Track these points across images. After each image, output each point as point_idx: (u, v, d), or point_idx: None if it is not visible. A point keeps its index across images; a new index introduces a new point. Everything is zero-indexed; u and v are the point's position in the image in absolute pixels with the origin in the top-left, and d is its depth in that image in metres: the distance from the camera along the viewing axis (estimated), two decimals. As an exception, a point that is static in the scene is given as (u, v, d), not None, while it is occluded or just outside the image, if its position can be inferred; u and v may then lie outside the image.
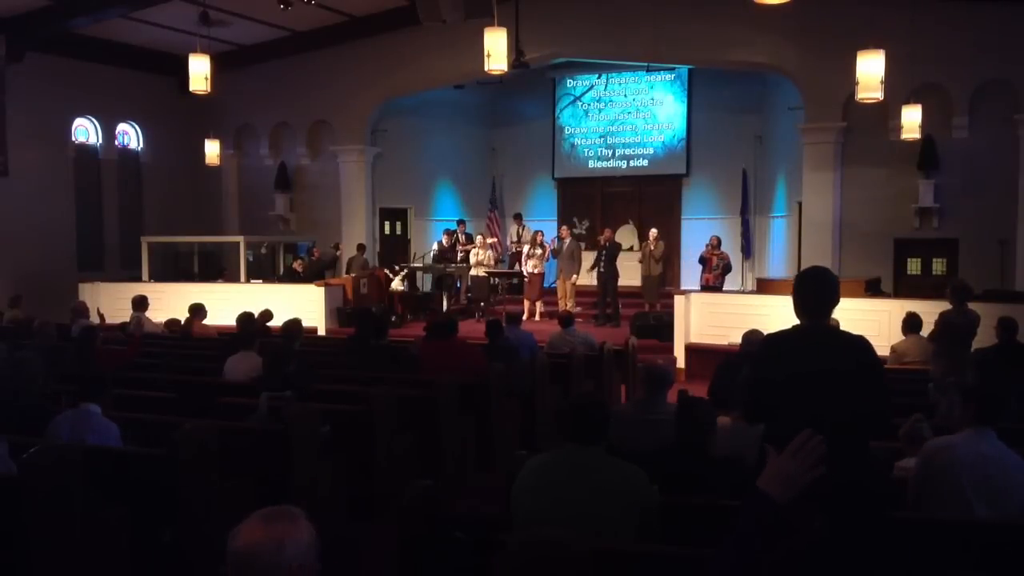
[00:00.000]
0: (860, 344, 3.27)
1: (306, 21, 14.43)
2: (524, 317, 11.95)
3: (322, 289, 12.82)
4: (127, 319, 9.97)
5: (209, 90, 9.39)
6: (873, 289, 11.12)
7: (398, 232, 16.86)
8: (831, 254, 12.84)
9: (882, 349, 7.48)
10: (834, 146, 12.85)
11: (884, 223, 12.67)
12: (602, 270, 13.06)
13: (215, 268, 15.31)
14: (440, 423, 5.96)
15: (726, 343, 9.60)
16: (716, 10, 12.87)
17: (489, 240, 15.06)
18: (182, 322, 9.81)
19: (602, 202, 17.20)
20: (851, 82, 9.43)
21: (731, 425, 4.18)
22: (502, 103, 17.43)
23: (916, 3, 11.43)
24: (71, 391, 4.91)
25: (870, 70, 8.74)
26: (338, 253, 15.32)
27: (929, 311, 7.35)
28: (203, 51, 9.36)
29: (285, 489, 4.48)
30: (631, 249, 15.00)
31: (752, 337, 5.70)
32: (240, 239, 15.01)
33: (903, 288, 12.29)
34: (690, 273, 15.10)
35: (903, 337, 7.78)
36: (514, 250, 15.69)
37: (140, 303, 9.92)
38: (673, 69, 16.21)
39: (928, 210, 12.45)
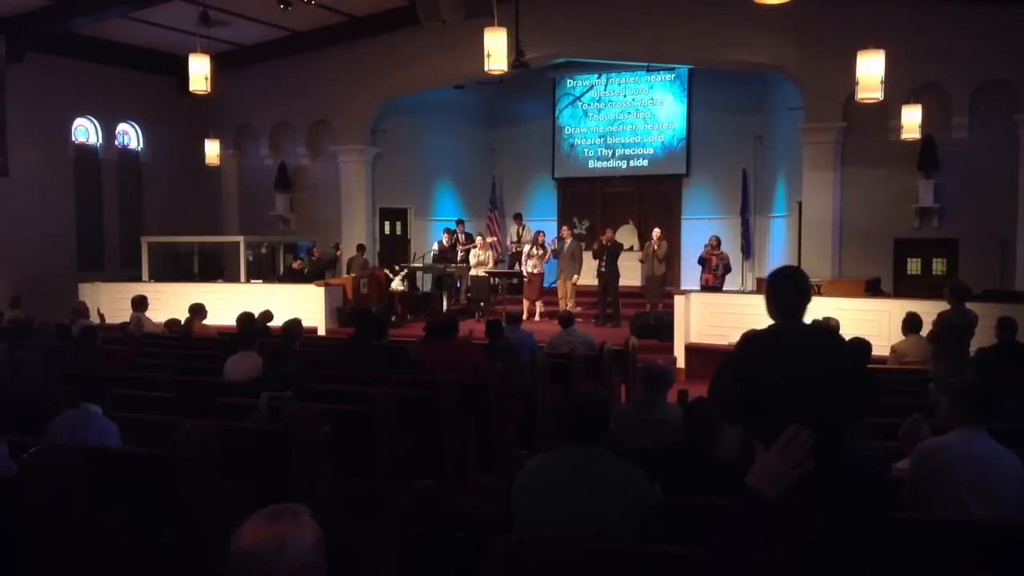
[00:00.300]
0: (836, 339, 3.31)
1: (306, 21, 14.43)
2: (524, 317, 11.96)
3: (322, 289, 12.82)
4: (127, 319, 9.95)
5: (209, 90, 9.39)
6: (873, 289, 11.13)
7: (398, 232, 16.86)
8: (831, 254, 12.85)
9: (882, 349, 7.54)
10: (834, 146, 12.85)
11: (884, 223, 12.67)
12: (603, 270, 13.07)
13: (215, 268, 15.31)
14: (440, 423, 5.96)
15: (726, 343, 9.59)
16: (716, 10, 12.87)
17: (489, 240, 15.06)
18: (182, 322, 9.81)
19: (602, 202, 17.20)
20: (851, 82, 9.43)
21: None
22: (502, 103, 17.43)
23: (916, 3, 11.43)
24: (71, 391, 4.91)
25: (870, 70, 8.73)
26: (338, 253, 15.32)
27: (929, 311, 7.36)
28: (203, 51, 9.35)
29: (285, 489, 4.48)
30: (631, 249, 15.00)
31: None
32: (240, 239, 15.01)
33: (903, 288, 12.29)
34: (690, 273, 15.10)
35: (903, 337, 7.78)
36: (514, 250, 15.69)
37: (140, 303, 9.91)
38: (673, 69, 16.21)
39: (928, 210, 12.45)
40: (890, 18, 11.56)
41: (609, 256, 13.02)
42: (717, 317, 10.73)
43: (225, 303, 11.28)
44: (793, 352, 3.20)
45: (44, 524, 3.42)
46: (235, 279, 14.24)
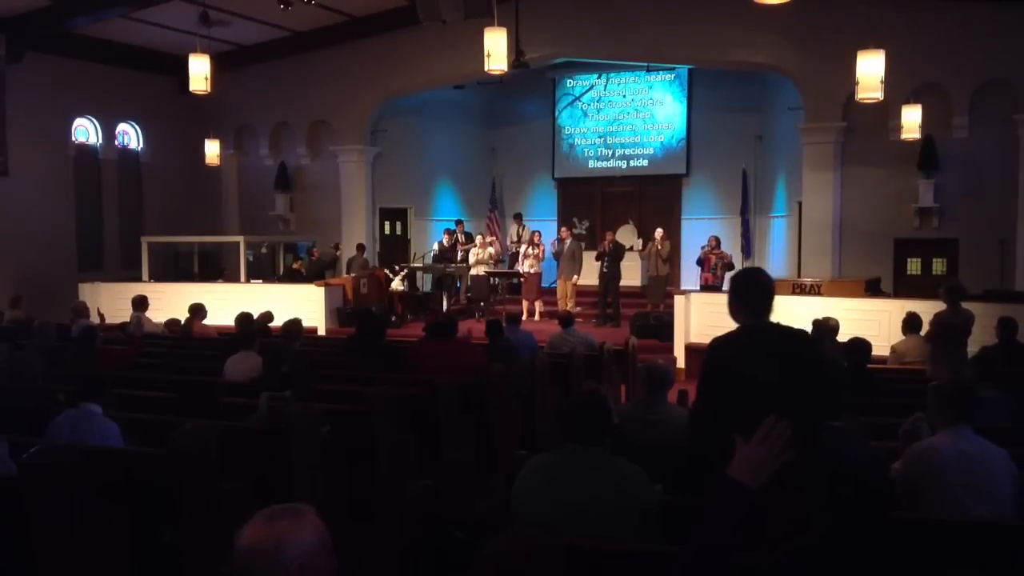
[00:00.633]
0: (804, 338, 3.32)
1: (306, 21, 14.43)
2: (523, 317, 11.96)
3: (322, 289, 12.83)
4: (127, 319, 9.96)
5: (209, 90, 9.40)
6: (873, 289, 11.13)
7: (398, 232, 16.86)
8: (831, 254, 12.86)
9: (882, 349, 7.54)
10: (834, 146, 12.86)
11: (884, 223, 12.68)
12: (605, 270, 13.08)
13: (215, 268, 15.31)
14: (440, 423, 5.96)
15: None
16: (716, 10, 12.87)
17: (489, 240, 15.06)
18: (182, 322, 9.81)
19: (602, 202, 17.20)
20: (851, 82, 9.44)
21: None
22: (502, 103, 17.42)
23: (916, 3, 11.45)
24: (71, 391, 4.91)
25: (870, 70, 8.74)
26: (338, 253, 15.32)
27: (929, 311, 7.35)
28: (203, 51, 9.36)
29: (285, 489, 4.48)
30: (630, 249, 15.01)
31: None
32: (240, 239, 15.01)
33: (903, 288, 12.30)
34: (690, 273, 15.09)
35: (903, 337, 7.78)
36: (514, 250, 15.69)
37: (140, 303, 9.91)
38: (673, 69, 16.21)
39: (928, 210, 12.45)
40: (890, 18, 11.57)
41: (611, 258, 13.04)
42: (717, 317, 10.59)
43: (225, 303, 11.28)
44: (765, 352, 3.19)
45: (44, 524, 3.42)
46: (235, 279, 14.24)
